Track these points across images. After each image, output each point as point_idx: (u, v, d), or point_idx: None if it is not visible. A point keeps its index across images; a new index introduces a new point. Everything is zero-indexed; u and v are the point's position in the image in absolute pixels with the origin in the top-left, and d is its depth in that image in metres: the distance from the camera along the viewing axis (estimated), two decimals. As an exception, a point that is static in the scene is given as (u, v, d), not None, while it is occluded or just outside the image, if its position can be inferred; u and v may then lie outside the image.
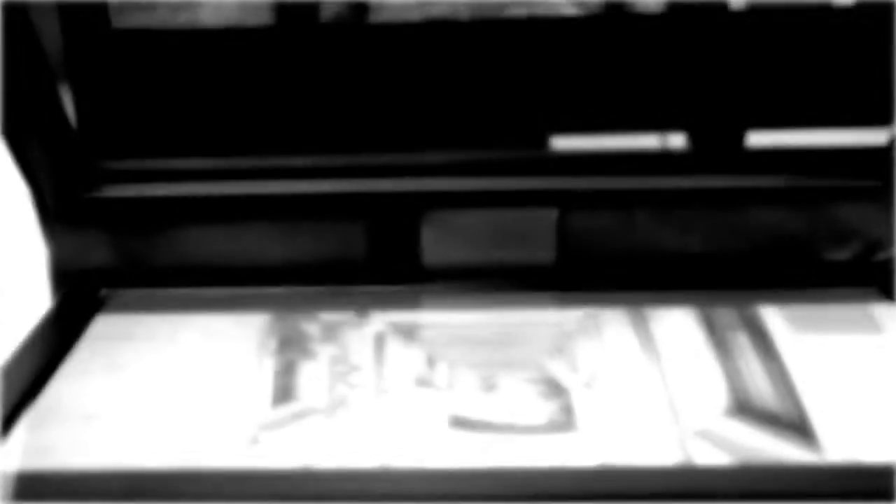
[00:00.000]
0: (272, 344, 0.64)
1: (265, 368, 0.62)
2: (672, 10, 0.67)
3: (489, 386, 0.60)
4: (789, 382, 0.59)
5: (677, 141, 0.70)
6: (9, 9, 0.62)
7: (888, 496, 0.48)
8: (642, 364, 0.61)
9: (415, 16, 0.67)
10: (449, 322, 0.67)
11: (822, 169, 0.69)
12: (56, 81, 0.67)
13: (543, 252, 0.72)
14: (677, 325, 0.65)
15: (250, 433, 0.56)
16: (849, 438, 0.54)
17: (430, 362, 0.62)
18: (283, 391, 0.59)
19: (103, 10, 0.66)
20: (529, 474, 0.52)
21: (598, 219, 0.72)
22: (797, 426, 0.55)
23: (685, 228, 0.71)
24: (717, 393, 0.58)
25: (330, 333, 0.65)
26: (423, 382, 0.60)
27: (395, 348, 0.64)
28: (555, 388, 0.59)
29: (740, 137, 0.70)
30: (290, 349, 0.64)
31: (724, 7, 0.67)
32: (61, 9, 0.66)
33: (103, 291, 0.71)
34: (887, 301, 0.68)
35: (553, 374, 0.61)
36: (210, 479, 0.52)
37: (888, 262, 0.72)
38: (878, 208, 0.71)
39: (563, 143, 0.71)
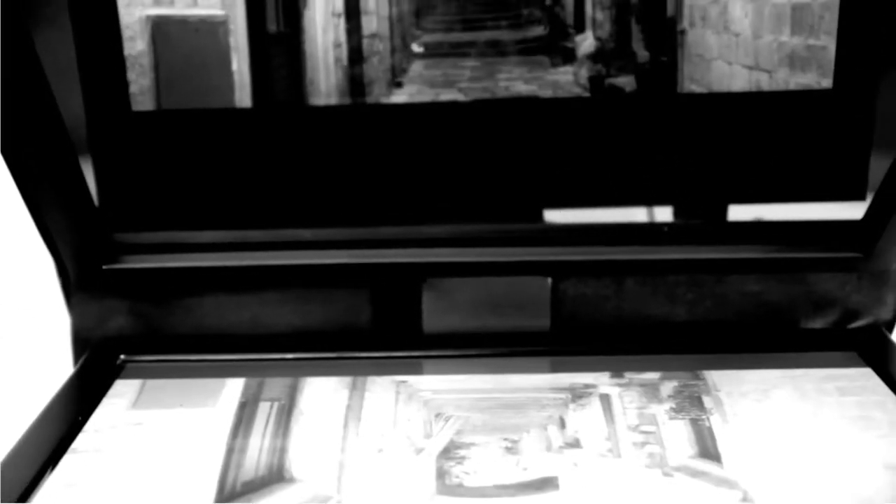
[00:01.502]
0: (276, 407, 0.66)
1: (268, 431, 0.64)
2: (659, 92, 0.69)
3: (483, 449, 0.62)
4: (754, 440, 0.62)
5: (664, 214, 0.73)
6: (35, 91, 0.65)
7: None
8: (623, 426, 0.64)
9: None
10: (446, 387, 0.68)
11: (801, 241, 0.72)
12: (78, 159, 0.69)
13: (539, 319, 0.74)
14: (657, 390, 0.67)
15: (245, 496, 0.58)
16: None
17: (426, 426, 0.64)
18: (281, 454, 0.62)
19: (124, 92, 0.68)
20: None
21: (589, 287, 0.74)
22: (733, 483, 0.58)
23: (671, 296, 0.74)
24: (684, 450, 0.61)
25: (332, 398, 0.67)
26: (417, 446, 0.62)
27: (394, 412, 0.66)
28: (543, 450, 0.61)
29: (723, 211, 0.72)
30: (295, 412, 0.66)
31: (708, 90, 0.69)
32: (85, 92, 0.68)
33: (121, 358, 0.72)
34: (867, 366, 0.69)
35: (543, 437, 0.63)
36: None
37: (867, 328, 0.74)
38: (855, 278, 0.73)
39: (556, 216, 0.73)
